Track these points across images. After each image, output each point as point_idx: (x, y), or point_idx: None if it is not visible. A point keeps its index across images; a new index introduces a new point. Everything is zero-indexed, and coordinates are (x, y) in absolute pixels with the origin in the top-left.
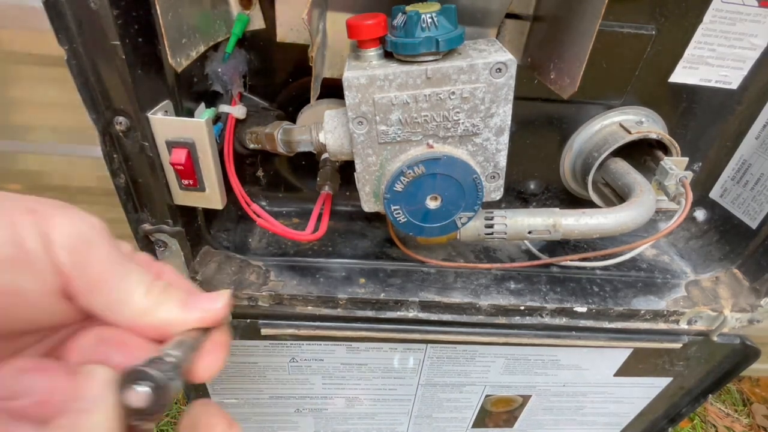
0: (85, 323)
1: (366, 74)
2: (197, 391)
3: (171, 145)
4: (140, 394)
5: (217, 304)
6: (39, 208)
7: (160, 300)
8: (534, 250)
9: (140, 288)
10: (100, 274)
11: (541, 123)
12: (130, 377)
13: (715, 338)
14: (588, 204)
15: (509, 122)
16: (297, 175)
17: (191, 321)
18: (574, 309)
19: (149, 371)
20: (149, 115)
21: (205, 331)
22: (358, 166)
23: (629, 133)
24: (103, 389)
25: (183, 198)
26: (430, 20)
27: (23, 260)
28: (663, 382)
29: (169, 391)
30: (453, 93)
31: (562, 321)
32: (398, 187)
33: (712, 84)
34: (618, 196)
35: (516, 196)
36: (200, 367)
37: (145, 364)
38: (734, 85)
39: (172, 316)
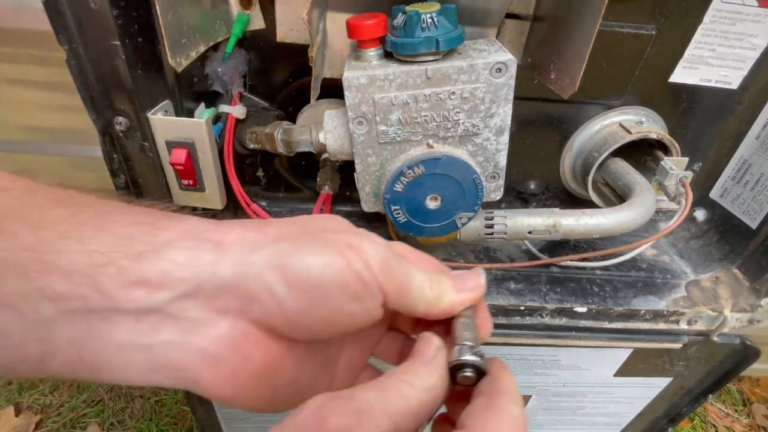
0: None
1: (366, 74)
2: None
3: (171, 145)
4: (469, 377)
5: (480, 280)
6: (354, 242)
7: (440, 291)
8: (534, 250)
9: (425, 284)
10: (401, 283)
11: (541, 123)
12: (459, 365)
13: (715, 338)
14: (588, 204)
15: (509, 122)
16: (297, 175)
17: (466, 301)
18: (574, 309)
19: (472, 360)
20: (149, 115)
21: (472, 307)
22: (358, 166)
23: (629, 133)
24: (437, 350)
25: (183, 198)
26: (430, 20)
27: (365, 290)
28: (663, 382)
29: (483, 370)
30: (453, 93)
31: (562, 321)
32: (398, 187)
33: (712, 84)
34: (618, 196)
35: (516, 196)
36: (482, 338)
37: (467, 355)
38: (734, 85)
39: (452, 300)
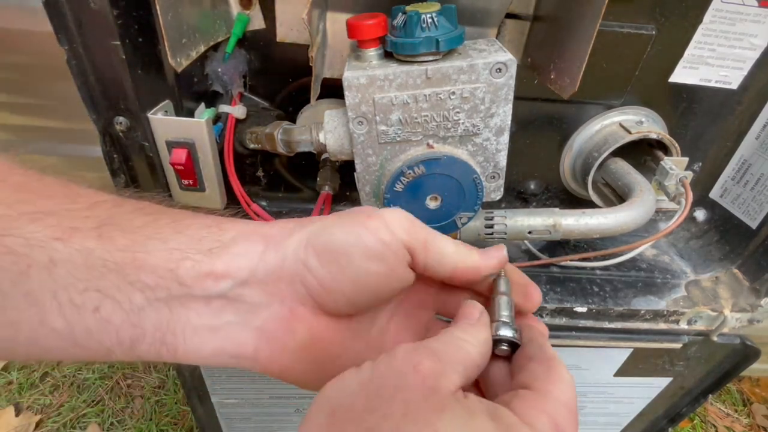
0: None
1: (366, 74)
2: (197, 390)
3: (171, 145)
4: (505, 350)
5: (503, 252)
6: (373, 212)
7: (465, 252)
8: (534, 250)
9: (449, 244)
10: (426, 240)
11: (541, 123)
12: (496, 340)
13: (715, 338)
14: (588, 204)
15: (509, 122)
16: (297, 175)
17: (491, 266)
18: (574, 309)
19: (509, 336)
20: (149, 115)
21: (497, 279)
22: (358, 166)
23: (629, 133)
24: (481, 313)
25: (183, 198)
26: (430, 20)
27: (387, 249)
28: (663, 382)
29: (518, 344)
30: (453, 93)
31: (562, 321)
32: (398, 187)
33: (712, 84)
34: (618, 196)
35: (516, 196)
36: (531, 302)
37: (504, 330)
38: (734, 85)
39: (477, 261)
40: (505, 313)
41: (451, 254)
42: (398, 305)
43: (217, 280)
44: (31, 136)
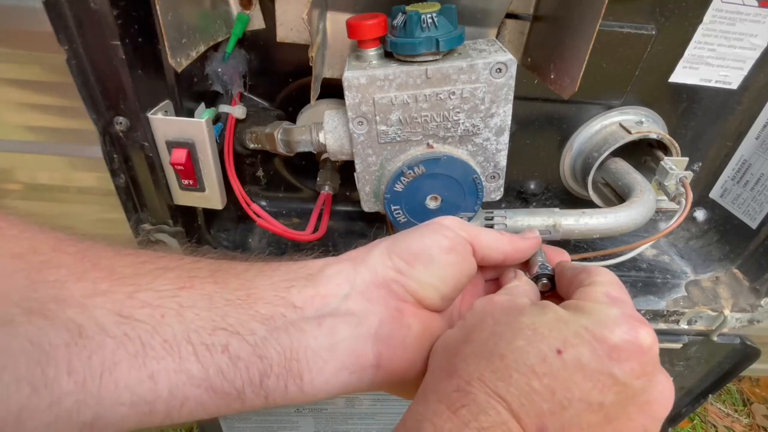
0: None
1: (366, 74)
2: None
3: (171, 145)
4: (546, 283)
5: (536, 233)
6: (433, 220)
7: (510, 239)
8: None
9: (497, 234)
10: (478, 234)
11: (541, 123)
12: (537, 276)
13: (715, 338)
14: (588, 204)
15: (509, 122)
16: (297, 175)
17: (533, 245)
18: None
19: (543, 271)
20: (149, 115)
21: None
22: (358, 166)
23: (629, 133)
24: (518, 272)
25: (183, 198)
26: (430, 20)
27: (455, 242)
28: None
29: (553, 276)
30: (453, 93)
31: None
32: (398, 187)
33: (712, 84)
34: (618, 196)
35: (516, 196)
36: (562, 257)
37: (539, 269)
38: (734, 85)
39: (520, 243)
40: (539, 260)
41: (501, 242)
42: (463, 294)
43: (324, 299)
44: (62, 138)
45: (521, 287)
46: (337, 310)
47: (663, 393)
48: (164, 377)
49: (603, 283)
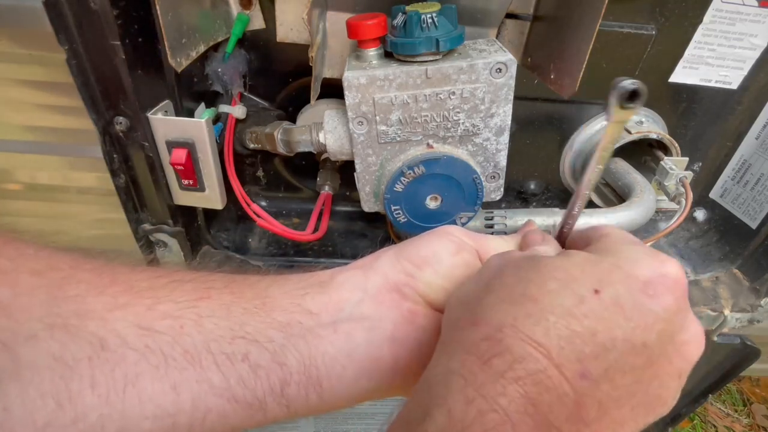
0: None
1: (366, 74)
2: None
3: (171, 145)
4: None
5: (533, 225)
6: (440, 227)
7: (512, 242)
8: None
9: (499, 240)
10: (480, 240)
11: (541, 123)
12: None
13: (715, 338)
14: (588, 204)
15: (509, 122)
16: (297, 175)
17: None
18: None
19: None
20: (149, 115)
21: None
22: (358, 166)
23: (629, 133)
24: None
25: (183, 198)
26: (430, 20)
27: (461, 246)
28: None
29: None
30: (453, 93)
31: None
32: (398, 187)
33: (712, 84)
34: (618, 196)
35: (516, 196)
36: None
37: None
38: (734, 85)
39: (522, 243)
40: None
41: (505, 246)
42: None
43: (338, 304)
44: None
45: (540, 246)
46: (351, 316)
47: (697, 334)
48: (186, 388)
49: (613, 232)
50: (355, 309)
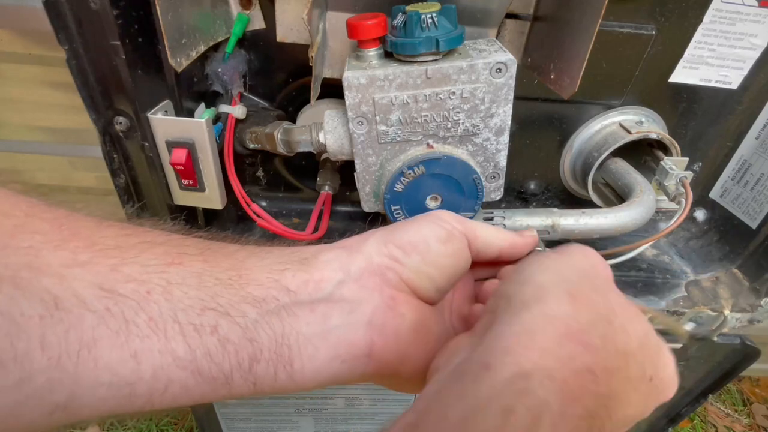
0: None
1: (366, 74)
2: None
3: (171, 145)
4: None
5: (533, 232)
6: (431, 213)
7: (506, 235)
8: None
9: (493, 229)
10: (474, 228)
11: (541, 123)
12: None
13: (715, 338)
14: (588, 204)
15: (509, 122)
16: (297, 175)
17: (529, 243)
18: None
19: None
20: (149, 115)
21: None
22: (358, 166)
23: (629, 133)
24: (534, 241)
25: (183, 198)
26: (430, 20)
27: (451, 233)
28: None
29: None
30: (453, 93)
31: None
32: (398, 187)
33: (712, 84)
34: (618, 196)
35: (516, 196)
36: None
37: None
38: (734, 85)
39: (516, 239)
40: (538, 248)
41: (497, 237)
42: (454, 291)
43: (318, 284)
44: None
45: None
46: (330, 296)
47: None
48: (148, 357)
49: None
50: (336, 290)
